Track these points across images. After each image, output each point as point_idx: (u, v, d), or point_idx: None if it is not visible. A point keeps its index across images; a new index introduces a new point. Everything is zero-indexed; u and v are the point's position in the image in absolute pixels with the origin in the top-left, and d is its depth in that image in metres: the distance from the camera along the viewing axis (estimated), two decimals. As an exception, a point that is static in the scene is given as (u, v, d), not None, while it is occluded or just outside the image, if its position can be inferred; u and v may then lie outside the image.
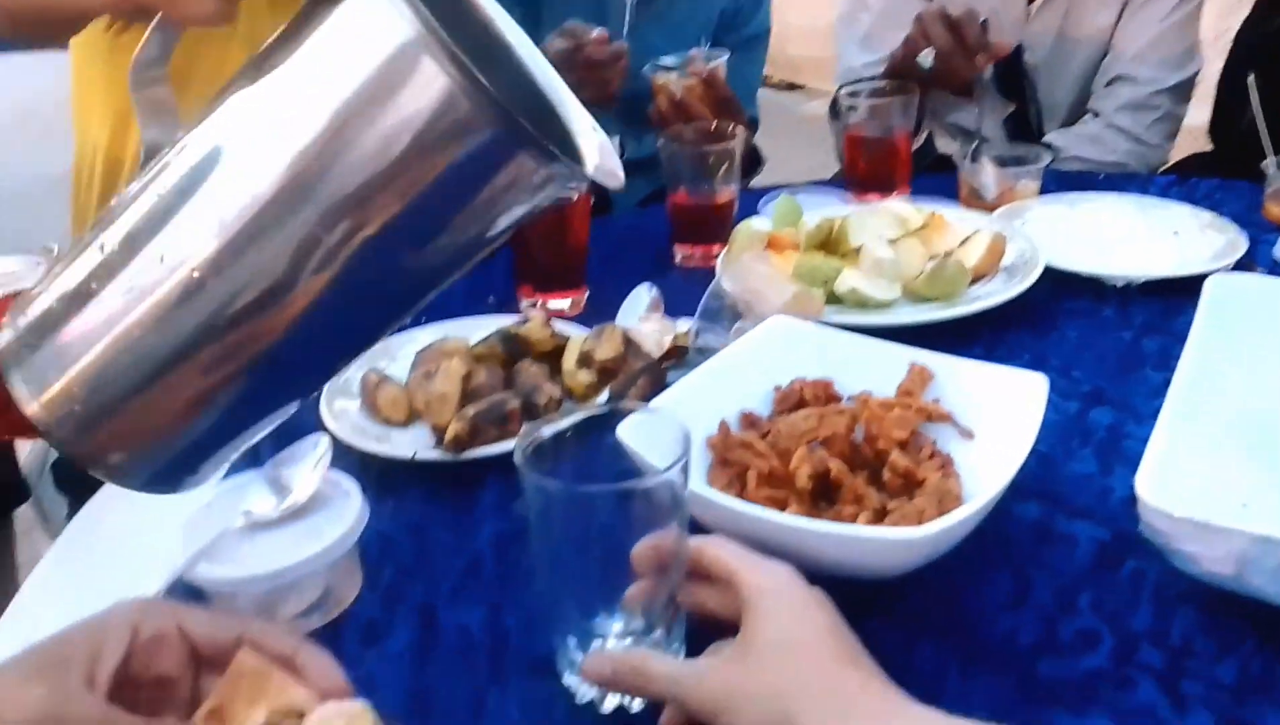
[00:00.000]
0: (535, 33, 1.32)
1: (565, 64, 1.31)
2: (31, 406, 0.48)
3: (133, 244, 0.46)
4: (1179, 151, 1.71)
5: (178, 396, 0.48)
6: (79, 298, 0.47)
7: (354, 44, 0.43)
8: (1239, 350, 0.78)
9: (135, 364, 0.46)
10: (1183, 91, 1.58)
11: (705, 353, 0.87)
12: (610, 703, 0.58)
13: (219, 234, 0.44)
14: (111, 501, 0.83)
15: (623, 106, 1.44)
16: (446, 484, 0.80)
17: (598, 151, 0.48)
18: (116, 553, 0.75)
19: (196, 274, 0.45)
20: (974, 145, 1.33)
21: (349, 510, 0.68)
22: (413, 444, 0.83)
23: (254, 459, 0.69)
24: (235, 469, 0.72)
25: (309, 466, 0.69)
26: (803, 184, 1.36)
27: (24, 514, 1.59)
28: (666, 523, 0.56)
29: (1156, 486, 0.60)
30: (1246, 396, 0.75)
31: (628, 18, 1.51)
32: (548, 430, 0.59)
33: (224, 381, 0.47)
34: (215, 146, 0.46)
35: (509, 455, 0.79)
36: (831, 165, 1.64)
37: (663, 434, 0.58)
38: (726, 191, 1.18)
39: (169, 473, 0.52)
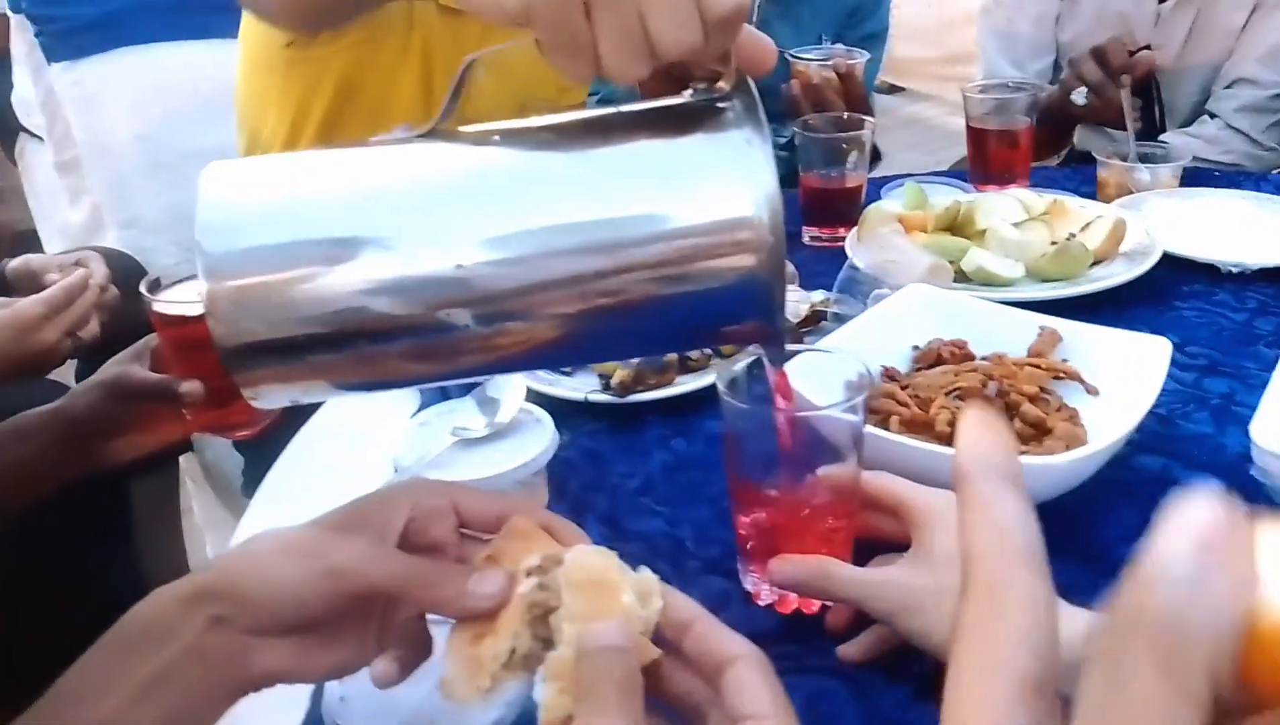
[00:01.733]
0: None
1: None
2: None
3: (398, 209, 0.47)
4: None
5: (368, 356, 0.48)
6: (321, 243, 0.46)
7: (709, 170, 0.46)
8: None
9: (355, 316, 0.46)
10: (1303, 96, 1.61)
11: (842, 320, 0.96)
12: (790, 605, 0.67)
13: (496, 241, 0.46)
14: (317, 430, 0.96)
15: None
16: (614, 423, 0.91)
17: None
18: (338, 468, 0.87)
19: (457, 267, 0.45)
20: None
21: (543, 433, 0.79)
22: (583, 388, 0.93)
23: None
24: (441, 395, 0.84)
25: (510, 395, 0.81)
26: (925, 174, 1.44)
27: (187, 464, 1.74)
28: (847, 454, 0.64)
29: (1270, 433, 0.68)
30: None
31: (756, 13, 1.60)
32: (738, 365, 0.67)
33: (420, 358, 0.48)
34: (528, 158, 0.48)
35: (668, 400, 0.91)
36: (937, 166, 1.71)
37: (832, 375, 0.67)
38: (857, 177, 1.26)
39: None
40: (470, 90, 0.51)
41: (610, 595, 0.44)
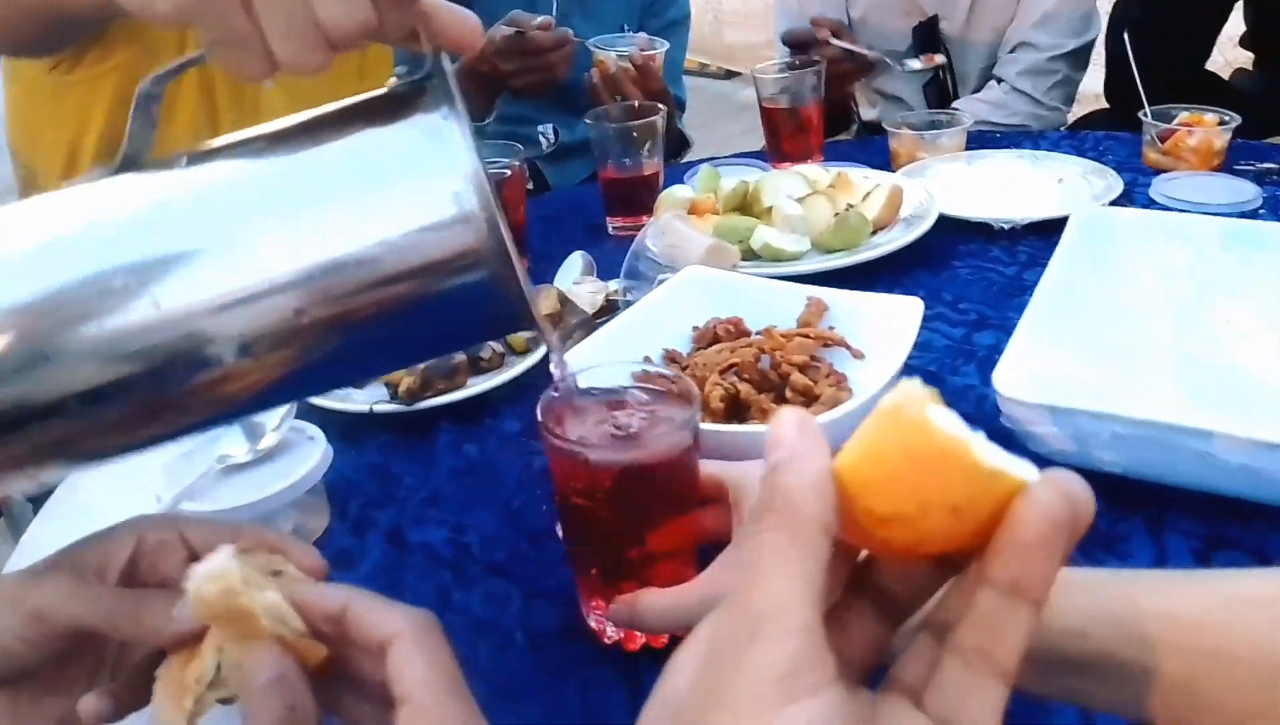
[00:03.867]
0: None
1: (511, 52, 1.40)
2: None
3: (100, 246, 0.43)
4: (1082, 113, 1.83)
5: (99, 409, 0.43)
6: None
7: (405, 162, 0.43)
8: (1099, 272, 0.89)
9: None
10: (1081, 57, 1.70)
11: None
12: (636, 641, 0.63)
13: (192, 280, 0.42)
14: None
15: (557, 94, 1.53)
16: (402, 433, 0.89)
17: None
18: (103, 503, 0.83)
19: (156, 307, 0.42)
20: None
21: (314, 452, 0.76)
22: (368, 400, 0.91)
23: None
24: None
25: (276, 416, 0.78)
26: (725, 157, 1.46)
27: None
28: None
29: (1011, 380, 0.71)
30: (1099, 309, 0.86)
31: (556, 6, 1.60)
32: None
33: (131, 423, 0.44)
34: (228, 191, 0.44)
35: (458, 404, 0.90)
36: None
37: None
38: (651, 165, 1.27)
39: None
40: (258, 104, 0.48)
41: (247, 618, 0.42)
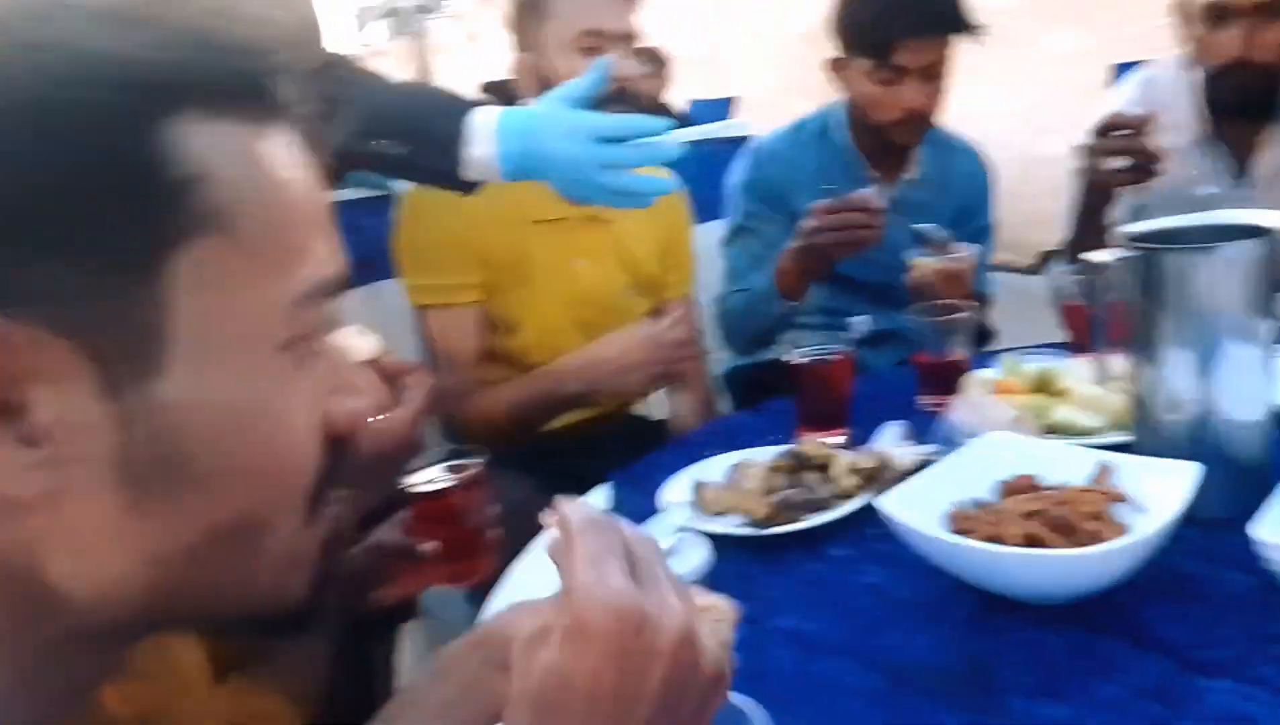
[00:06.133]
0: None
1: (826, 226, 1.69)
2: None
3: None
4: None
5: None
6: None
7: None
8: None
9: None
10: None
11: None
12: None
13: None
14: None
15: (875, 289, 1.81)
16: (755, 553, 1.14)
17: None
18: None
19: None
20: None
21: (700, 552, 1.03)
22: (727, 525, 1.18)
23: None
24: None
25: (673, 526, 1.06)
26: (1029, 346, 1.65)
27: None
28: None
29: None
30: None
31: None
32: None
33: None
34: None
35: (804, 532, 1.14)
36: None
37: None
38: (960, 353, 1.50)
39: None
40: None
41: None
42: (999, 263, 2.22)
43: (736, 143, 2.63)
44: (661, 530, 1.05)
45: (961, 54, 1.88)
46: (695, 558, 1.02)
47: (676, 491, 1.25)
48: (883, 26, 1.85)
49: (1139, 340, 1.10)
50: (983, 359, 1.57)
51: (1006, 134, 3.47)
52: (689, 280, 1.96)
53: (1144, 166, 1.68)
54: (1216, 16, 1.81)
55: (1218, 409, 1.03)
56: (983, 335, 1.92)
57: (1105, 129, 1.72)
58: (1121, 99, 2.01)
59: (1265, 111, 1.87)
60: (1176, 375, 1.05)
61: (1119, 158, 1.69)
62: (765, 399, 1.66)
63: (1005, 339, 1.96)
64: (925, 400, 1.53)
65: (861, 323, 2.00)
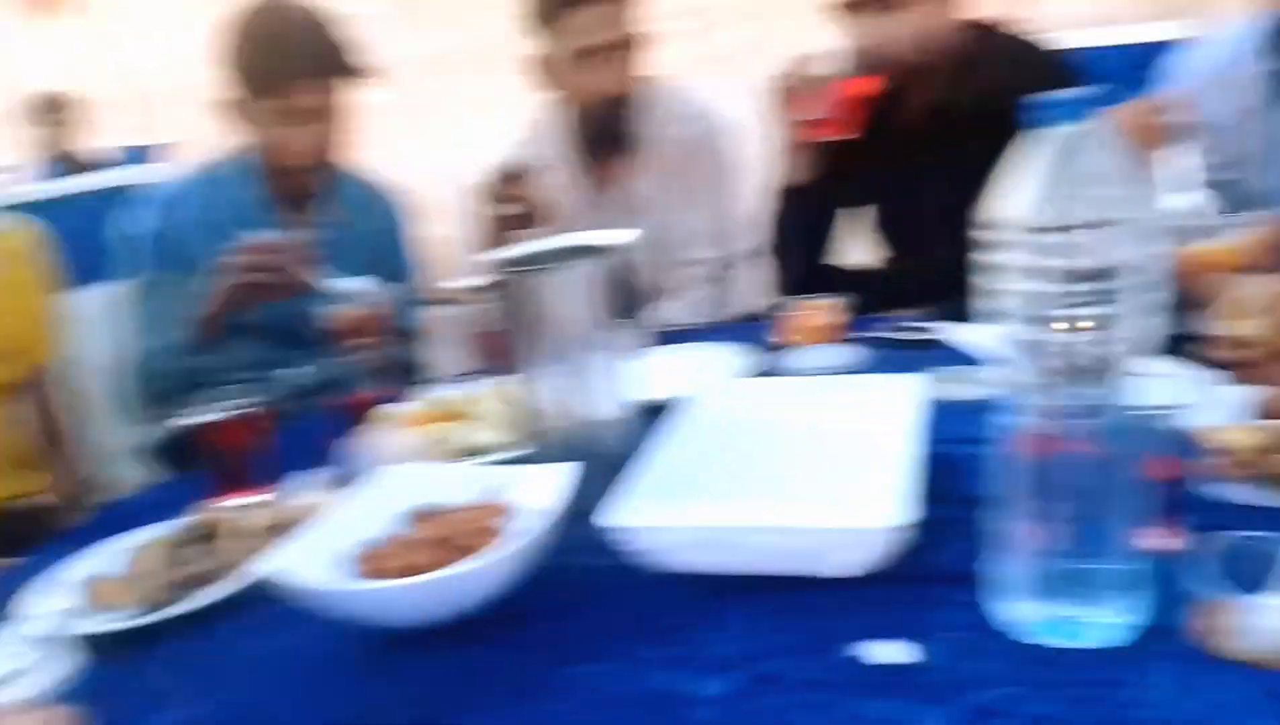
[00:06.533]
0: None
1: (250, 266, 1.61)
2: None
3: None
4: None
5: None
6: None
7: None
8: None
9: None
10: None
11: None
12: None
13: None
14: None
15: (303, 338, 1.75)
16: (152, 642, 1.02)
17: None
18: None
19: None
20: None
21: (62, 664, 0.90)
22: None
23: None
24: None
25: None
26: (460, 375, 1.71)
27: None
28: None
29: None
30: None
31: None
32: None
33: None
34: None
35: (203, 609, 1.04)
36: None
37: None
38: (374, 391, 1.50)
39: None
40: None
41: None
42: (441, 297, 2.27)
43: (117, 193, 2.43)
44: (10, 648, 0.90)
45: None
46: (57, 670, 0.88)
47: (56, 594, 1.09)
48: (274, 70, 1.82)
49: (519, 357, 1.17)
50: (413, 393, 1.58)
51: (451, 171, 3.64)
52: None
53: (529, 215, 1.82)
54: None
55: (582, 412, 1.13)
56: (410, 370, 1.93)
57: (499, 175, 1.84)
58: (514, 143, 2.16)
59: (618, 142, 2.12)
60: (546, 386, 1.12)
61: (510, 204, 1.81)
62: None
63: (449, 369, 2.01)
64: (341, 441, 1.50)
65: (298, 375, 1.93)
